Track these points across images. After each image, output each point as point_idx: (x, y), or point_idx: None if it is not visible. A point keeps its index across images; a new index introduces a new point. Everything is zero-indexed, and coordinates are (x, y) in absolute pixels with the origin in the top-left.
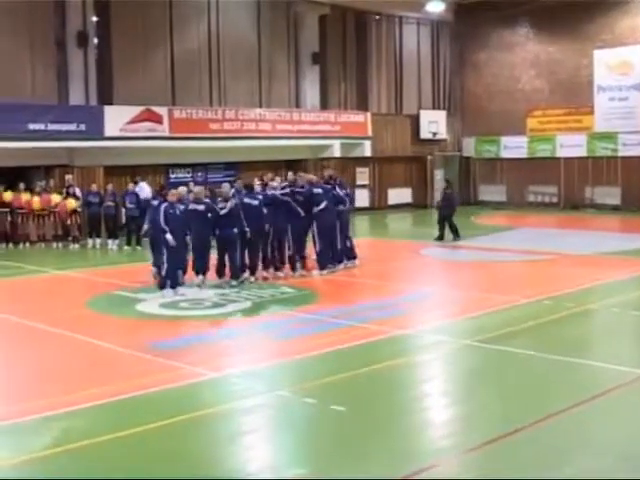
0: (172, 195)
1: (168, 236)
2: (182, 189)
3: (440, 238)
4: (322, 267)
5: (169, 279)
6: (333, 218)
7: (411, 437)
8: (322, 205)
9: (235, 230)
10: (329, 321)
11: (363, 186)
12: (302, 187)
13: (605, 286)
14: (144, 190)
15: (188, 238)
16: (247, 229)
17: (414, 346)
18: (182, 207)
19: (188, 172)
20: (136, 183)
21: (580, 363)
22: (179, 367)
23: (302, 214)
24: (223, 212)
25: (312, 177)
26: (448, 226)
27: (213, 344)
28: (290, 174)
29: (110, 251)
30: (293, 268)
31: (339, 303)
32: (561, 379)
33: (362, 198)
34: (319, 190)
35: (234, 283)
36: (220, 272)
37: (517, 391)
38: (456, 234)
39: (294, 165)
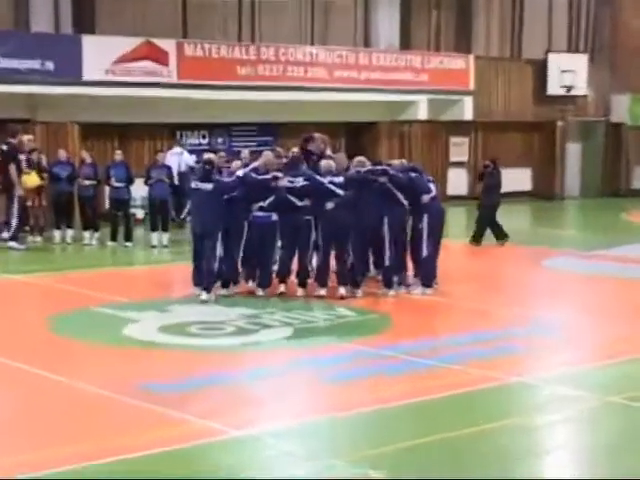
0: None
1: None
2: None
3: (474, 240)
4: (428, 282)
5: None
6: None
7: None
8: (433, 192)
9: (274, 217)
10: (405, 360)
11: (459, 164)
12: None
13: None
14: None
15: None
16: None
17: (531, 401)
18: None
19: (203, 136)
20: (160, 152)
21: None
22: (185, 420)
23: (405, 204)
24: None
25: (397, 162)
26: (487, 224)
27: (235, 388)
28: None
29: (87, 248)
30: (388, 283)
31: (421, 334)
32: None
33: (457, 182)
34: (414, 173)
35: (261, 292)
36: (249, 277)
37: None
38: (499, 236)
39: (359, 131)
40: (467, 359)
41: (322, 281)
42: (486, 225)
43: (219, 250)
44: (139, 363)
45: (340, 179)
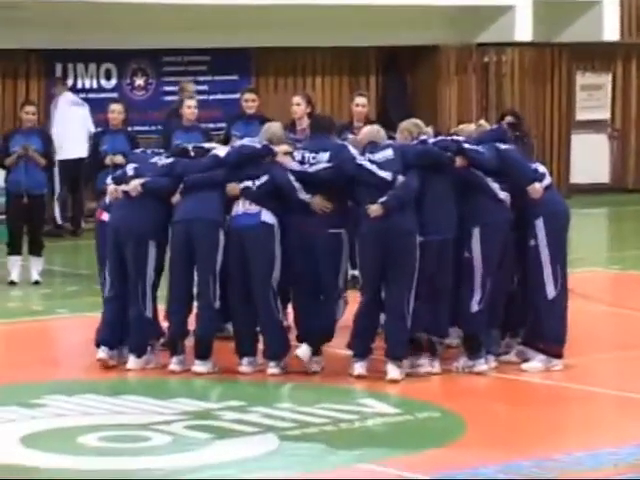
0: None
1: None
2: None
3: None
4: (555, 348)
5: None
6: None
7: None
8: (547, 178)
9: (265, 217)
10: None
11: (594, 125)
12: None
13: None
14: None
15: None
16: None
17: None
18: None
19: (107, 73)
20: (28, 104)
21: None
22: None
23: (506, 200)
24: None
25: (472, 127)
26: None
27: None
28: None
29: None
30: (473, 348)
31: (521, 448)
32: None
33: (591, 160)
34: (511, 146)
35: (274, 369)
36: (203, 349)
37: None
38: None
39: (402, 64)
40: None
41: (397, 349)
42: None
43: (150, 279)
44: None
45: (387, 154)
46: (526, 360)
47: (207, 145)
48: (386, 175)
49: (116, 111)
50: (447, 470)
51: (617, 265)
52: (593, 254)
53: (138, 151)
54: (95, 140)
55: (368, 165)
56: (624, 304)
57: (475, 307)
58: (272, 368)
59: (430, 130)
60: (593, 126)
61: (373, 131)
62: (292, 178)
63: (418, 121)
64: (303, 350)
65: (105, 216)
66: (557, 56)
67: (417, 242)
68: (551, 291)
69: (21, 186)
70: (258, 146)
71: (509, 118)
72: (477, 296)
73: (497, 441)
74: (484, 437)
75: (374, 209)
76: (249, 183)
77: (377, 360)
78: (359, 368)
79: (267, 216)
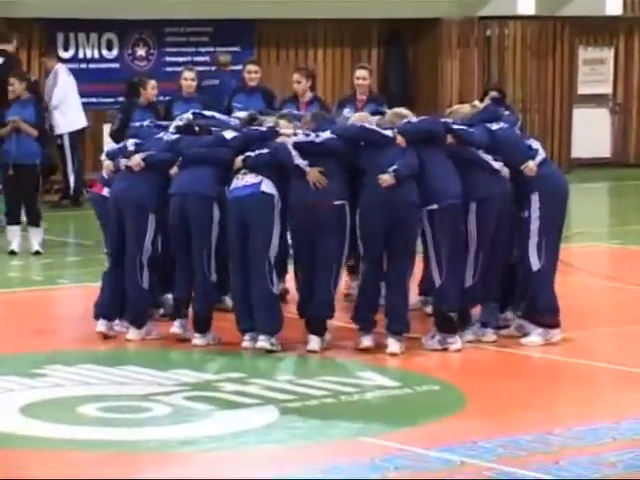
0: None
1: None
2: None
3: None
4: (549, 318)
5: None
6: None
7: None
8: (540, 154)
9: (265, 187)
10: (497, 472)
11: (595, 100)
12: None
13: None
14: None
15: None
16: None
17: None
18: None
19: (108, 43)
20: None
21: None
22: None
23: (502, 171)
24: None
25: (467, 108)
26: None
27: None
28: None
29: None
30: (465, 319)
31: (521, 422)
32: None
33: (593, 135)
34: (503, 125)
35: (264, 342)
36: (201, 323)
37: None
38: None
39: (404, 38)
40: (612, 473)
41: (397, 323)
42: None
43: (147, 251)
44: None
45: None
46: (526, 334)
47: (207, 112)
48: (388, 132)
49: (156, 87)
50: (446, 443)
51: (618, 240)
52: (594, 229)
53: (142, 124)
54: (125, 113)
55: (369, 125)
56: (624, 279)
57: (468, 281)
58: (261, 341)
59: (414, 118)
60: (595, 100)
61: (362, 118)
62: (290, 146)
63: (402, 110)
64: (314, 342)
65: (103, 190)
66: (560, 30)
67: (417, 215)
68: (535, 263)
69: (11, 156)
70: (264, 129)
71: (493, 93)
72: (470, 271)
73: (497, 415)
74: (484, 411)
75: (385, 178)
76: (250, 153)
77: (377, 333)
78: (366, 341)
79: (267, 187)
